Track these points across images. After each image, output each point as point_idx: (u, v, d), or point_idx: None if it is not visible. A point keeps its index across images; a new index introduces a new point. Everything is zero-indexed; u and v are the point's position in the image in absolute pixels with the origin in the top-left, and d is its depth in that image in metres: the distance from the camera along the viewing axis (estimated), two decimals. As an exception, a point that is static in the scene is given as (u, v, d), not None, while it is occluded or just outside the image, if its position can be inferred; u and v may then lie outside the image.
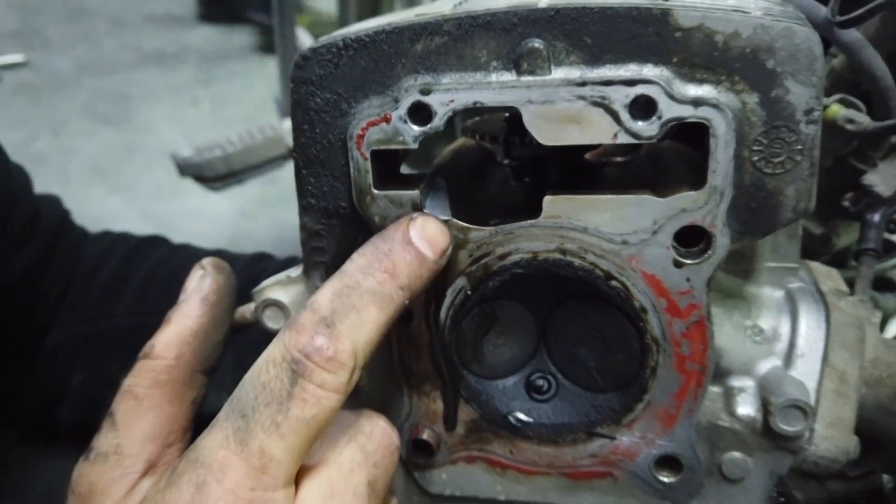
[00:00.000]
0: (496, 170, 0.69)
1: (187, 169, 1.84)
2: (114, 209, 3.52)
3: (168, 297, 0.95)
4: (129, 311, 0.95)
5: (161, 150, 3.95)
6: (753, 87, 0.45)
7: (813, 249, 0.73)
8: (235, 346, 0.92)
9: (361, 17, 2.50)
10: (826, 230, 0.72)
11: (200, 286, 0.62)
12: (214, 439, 0.46)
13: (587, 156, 0.70)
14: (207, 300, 0.61)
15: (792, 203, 0.47)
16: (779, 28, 0.44)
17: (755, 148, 0.46)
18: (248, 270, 0.98)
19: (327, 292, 0.48)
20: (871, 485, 0.77)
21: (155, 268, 0.99)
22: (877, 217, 0.62)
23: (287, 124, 2.35)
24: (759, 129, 0.46)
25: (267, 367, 0.47)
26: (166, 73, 5.01)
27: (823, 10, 0.62)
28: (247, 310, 0.64)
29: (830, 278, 0.60)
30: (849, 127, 0.61)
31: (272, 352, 0.47)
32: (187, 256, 1.03)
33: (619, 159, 0.73)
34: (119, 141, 4.26)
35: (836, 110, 0.61)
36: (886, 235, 1.04)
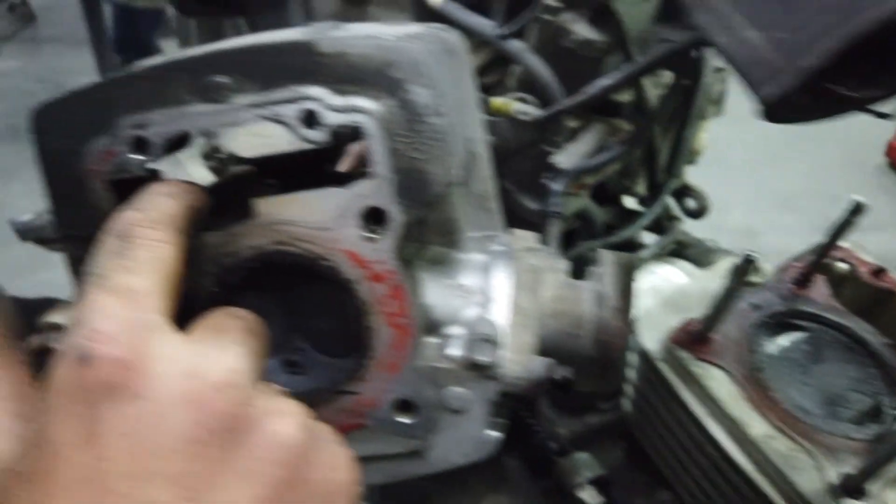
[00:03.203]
0: (259, 190, 0.80)
1: (27, 233, 1.84)
2: (-26, 293, 3.40)
3: None
4: None
5: (21, 228, 3.83)
6: (388, 93, 0.59)
7: (533, 222, 0.88)
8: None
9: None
10: (540, 206, 0.87)
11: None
12: (78, 300, 0.48)
13: (342, 167, 0.82)
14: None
15: (439, 178, 0.61)
16: (397, 46, 0.58)
17: (403, 140, 0.60)
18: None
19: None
20: (619, 415, 0.93)
21: None
22: (557, 186, 0.78)
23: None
24: (402, 125, 0.59)
25: (100, 246, 0.51)
26: (21, 150, 4.86)
27: (493, 27, 0.78)
28: (35, 339, 0.71)
29: (525, 240, 0.74)
30: (522, 118, 0.76)
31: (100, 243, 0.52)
32: (14, 305, 1.07)
33: (368, 170, 0.86)
34: (-25, 223, 4.10)
35: (512, 106, 0.76)
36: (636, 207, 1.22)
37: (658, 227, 1.19)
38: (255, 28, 1.48)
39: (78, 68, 6.47)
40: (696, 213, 1.24)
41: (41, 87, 6.06)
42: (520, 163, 0.85)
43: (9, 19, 7.55)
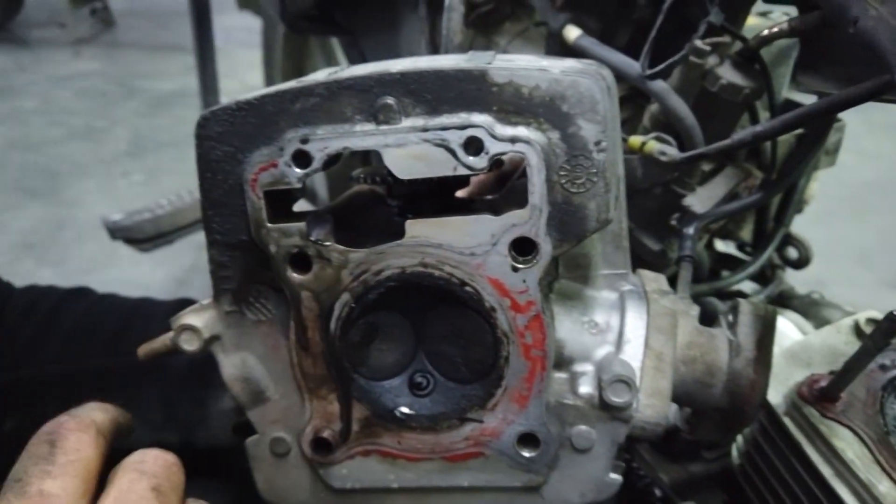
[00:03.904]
0: (382, 209, 0.81)
1: (117, 232, 1.91)
2: (44, 282, 3.52)
3: (92, 344, 1.03)
4: (57, 359, 1.01)
5: (91, 223, 3.96)
6: (554, 126, 0.59)
7: (653, 263, 0.86)
8: (161, 382, 1.00)
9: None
10: (662, 247, 0.86)
11: None
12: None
13: (459, 194, 0.83)
14: None
15: (595, 214, 0.60)
16: (568, 80, 0.58)
17: (561, 173, 0.59)
18: (172, 314, 1.06)
19: None
20: (724, 465, 0.90)
21: (80, 317, 1.06)
22: (691, 230, 0.76)
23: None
24: (562, 158, 0.59)
25: (28, 447, 0.58)
26: (96, 147, 5.04)
27: (637, 66, 0.77)
28: (167, 337, 0.72)
29: (656, 281, 0.73)
30: (662, 158, 0.75)
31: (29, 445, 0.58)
32: (111, 305, 1.10)
33: (487, 197, 0.86)
34: (48, 215, 4.24)
35: (652, 146, 0.76)
36: (735, 253, 1.20)
37: (760, 276, 1.17)
38: (357, 49, 1.50)
39: (154, 73, 6.72)
40: (799, 264, 1.21)
41: (118, 89, 6.29)
42: (643, 202, 0.85)
43: (89, 23, 7.88)
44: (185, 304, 1.17)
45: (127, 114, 5.77)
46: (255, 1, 2.79)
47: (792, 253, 1.22)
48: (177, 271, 3.58)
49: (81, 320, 1.06)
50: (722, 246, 1.30)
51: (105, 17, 8.03)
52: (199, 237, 3.43)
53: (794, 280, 1.40)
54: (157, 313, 1.07)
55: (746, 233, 1.15)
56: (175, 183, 4.50)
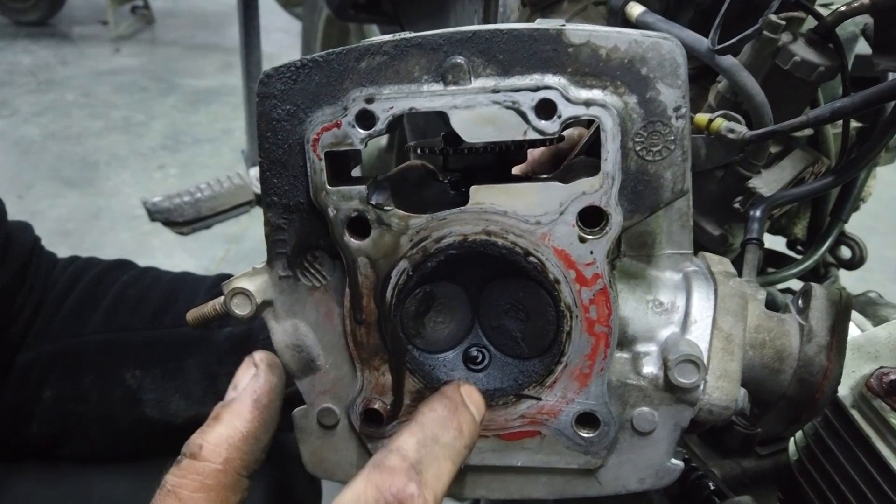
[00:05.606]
0: (436, 183, 0.79)
1: (157, 214, 1.94)
2: (79, 270, 3.56)
3: (136, 316, 1.02)
4: (99, 329, 1.00)
5: (126, 213, 4.01)
6: (632, 90, 0.56)
7: (713, 249, 0.84)
8: (202, 356, 0.99)
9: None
10: (723, 231, 0.83)
11: (253, 386, 0.62)
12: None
13: (515, 170, 0.81)
14: (260, 402, 0.61)
15: (670, 184, 0.58)
16: (649, 42, 0.56)
17: (637, 139, 0.57)
18: (214, 289, 1.05)
19: (412, 440, 0.55)
20: (780, 462, 0.87)
21: (123, 289, 1.05)
22: (758, 212, 0.73)
23: (253, 172, 2.44)
24: (639, 123, 0.57)
25: None
26: (133, 140, 5.11)
27: (706, 41, 0.75)
28: (217, 302, 0.71)
29: (721, 263, 0.70)
30: (730, 136, 0.72)
31: (364, 491, 0.52)
32: (154, 278, 1.10)
33: (543, 176, 0.84)
34: (84, 204, 4.30)
35: (720, 123, 0.73)
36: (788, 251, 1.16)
37: (811, 274, 1.13)
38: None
39: (191, 70, 6.81)
40: (852, 264, 1.17)
41: (156, 85, 6.38)
42: (704, 185, 0.82)
43: (130, 20, 8.03)
44: (226, 279, 1.16)
45: (164, 109, 5.85)
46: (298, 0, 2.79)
47: (845, 252, 1.18)
48: (208, 263, 3.60)
49: (124, 292, 1.05)
50: (767, 243, 1.26)
51: (146, 15, 8.17)
52: (231, 229, 3.45)
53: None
54: (200, 287, 1.06)
55: (800, 229, 1.11)
56: (209, 177, 4.53)
